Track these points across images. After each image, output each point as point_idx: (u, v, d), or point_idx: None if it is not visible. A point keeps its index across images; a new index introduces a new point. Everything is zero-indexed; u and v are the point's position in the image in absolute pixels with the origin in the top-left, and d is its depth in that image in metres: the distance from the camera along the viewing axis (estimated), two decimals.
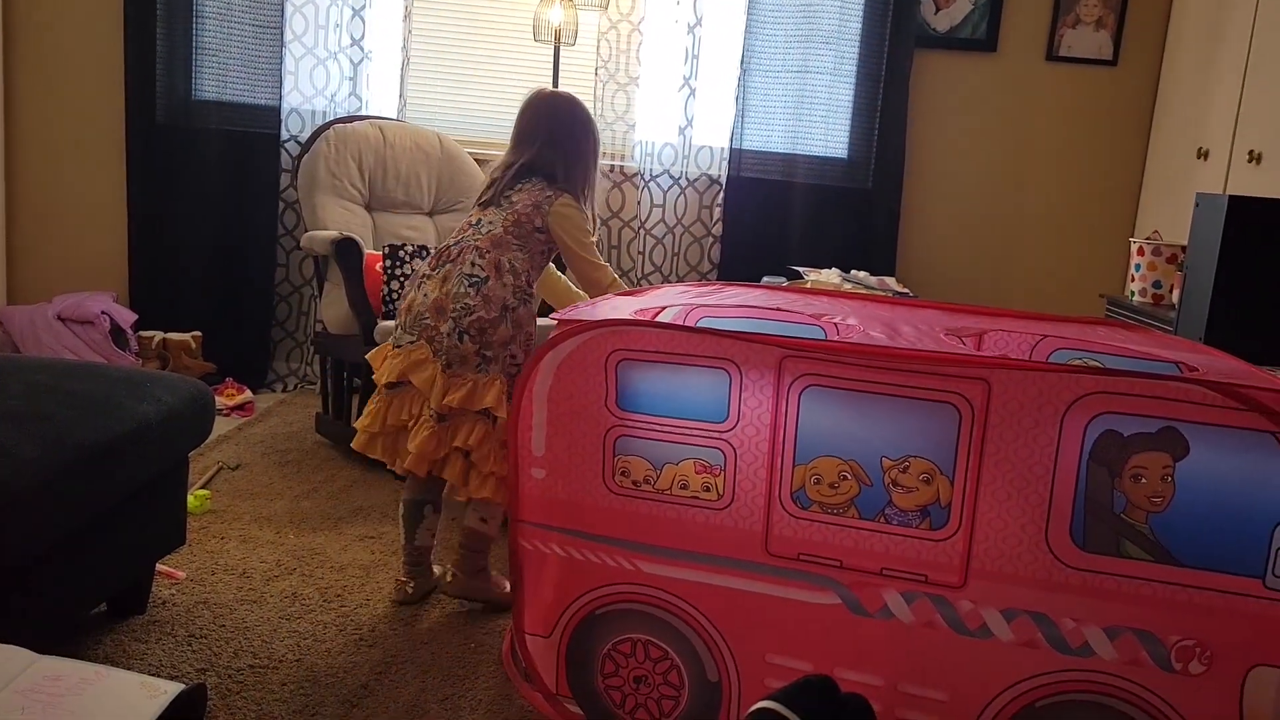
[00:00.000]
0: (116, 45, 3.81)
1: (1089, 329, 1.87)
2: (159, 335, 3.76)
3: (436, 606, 2.17)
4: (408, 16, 3.91)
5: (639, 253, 4.06)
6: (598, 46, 3.93)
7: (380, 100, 3.98)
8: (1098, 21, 3.97)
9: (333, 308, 3.21)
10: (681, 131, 3.98)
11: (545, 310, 2.44)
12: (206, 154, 3.84)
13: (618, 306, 1.78)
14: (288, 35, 3.82)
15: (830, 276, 3.40)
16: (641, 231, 4.05)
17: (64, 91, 3.90)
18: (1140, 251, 3.29)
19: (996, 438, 1.42)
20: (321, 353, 3.33)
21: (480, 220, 2.19)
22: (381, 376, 2.10)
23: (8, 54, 3.85)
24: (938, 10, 3.99)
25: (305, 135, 3.82)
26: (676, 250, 4.08)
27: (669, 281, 4.06)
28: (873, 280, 3.45)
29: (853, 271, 3.55)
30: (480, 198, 2.26)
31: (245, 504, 2.67)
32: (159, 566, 2.12)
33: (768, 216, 4.01)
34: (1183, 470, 1.35)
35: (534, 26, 3.78)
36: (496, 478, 2.04)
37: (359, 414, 3.07)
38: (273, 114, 3.85)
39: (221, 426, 3.28)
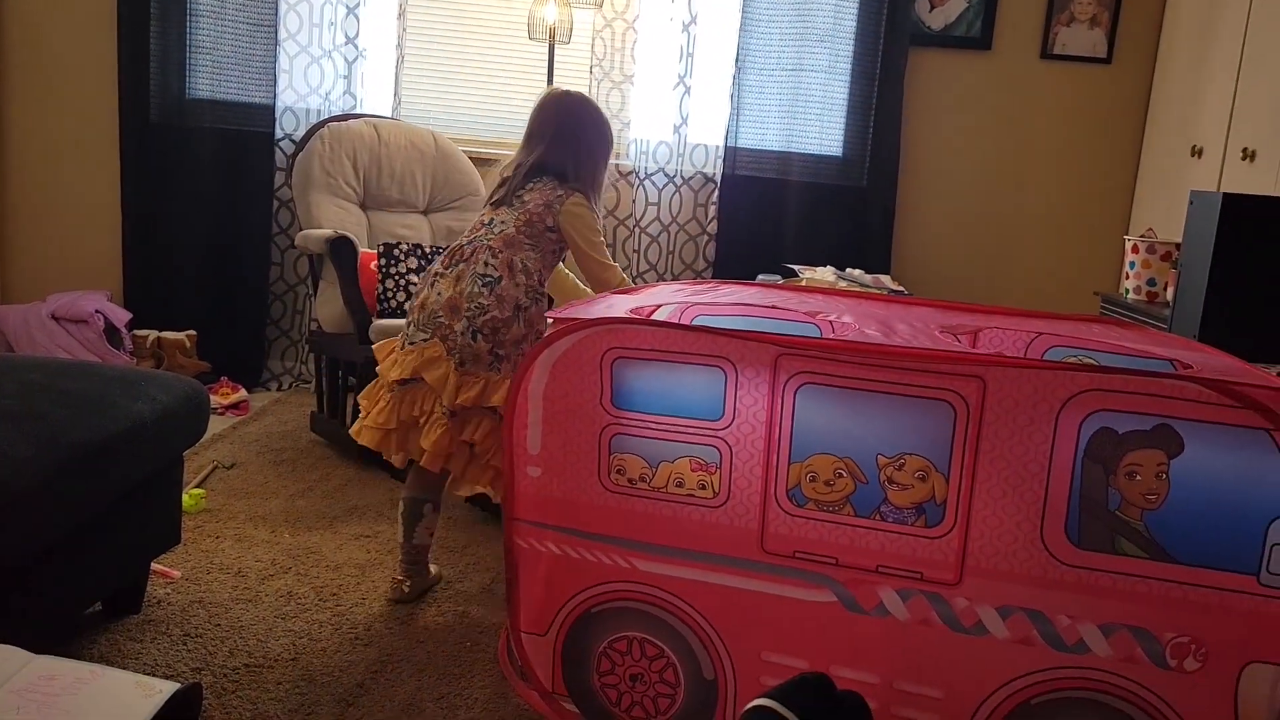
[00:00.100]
0: (110, 44, 3.80)
1: (1084, 326, 1.88)
2: (154, 334, 3.75)
3: (432, 605, 2.17)
4: (402, 14, 3.91)
5: (634, 251, 4.06)
6: (592, 45, 3.93)
7: (375, 98, 3.98)
8: (1092, 19, 3.98)
9: (327, 306, 3.21)
10: (676, 130, 3.98)
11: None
12: (201, 153, 3.83)
13: (613, 305, 1.78)
14: (282, 33, 3.81)
15: (825, 274, 3.40)
16: (636, 230, 4.05)
17: (58, 90, 3.89)
18: (1135, 249, 3.30)
19: (991, 435, 1.42)
20: (316, 351, 3.32)
21: (493, 220, 2.20)
22: (391, 372, 2.11)
23: (1, 52, 3.84)
24: (932, 8, 3.99)
25: (300, 134, 3.81)
26: (671, 248, 4.08)
27: (664, 280, 4.06)
28: (868, 278, 3.46)
29: (848, 269, 3.55)
30: (492, 197, 2.28)
31: (240, 503, 2.67)
32: (154, 565, 2.11)
33: (763, 214, 4.01)
34: (1177, 467, 1.35)
35: (528, 25, 3.78)
36: (495, 469, 2.09)
37: (354, 412, 3.09)
38: (267, 112, 3.84)
39: (216, 425, 3.28)
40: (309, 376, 3.94)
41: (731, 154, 3.98)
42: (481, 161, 3.83)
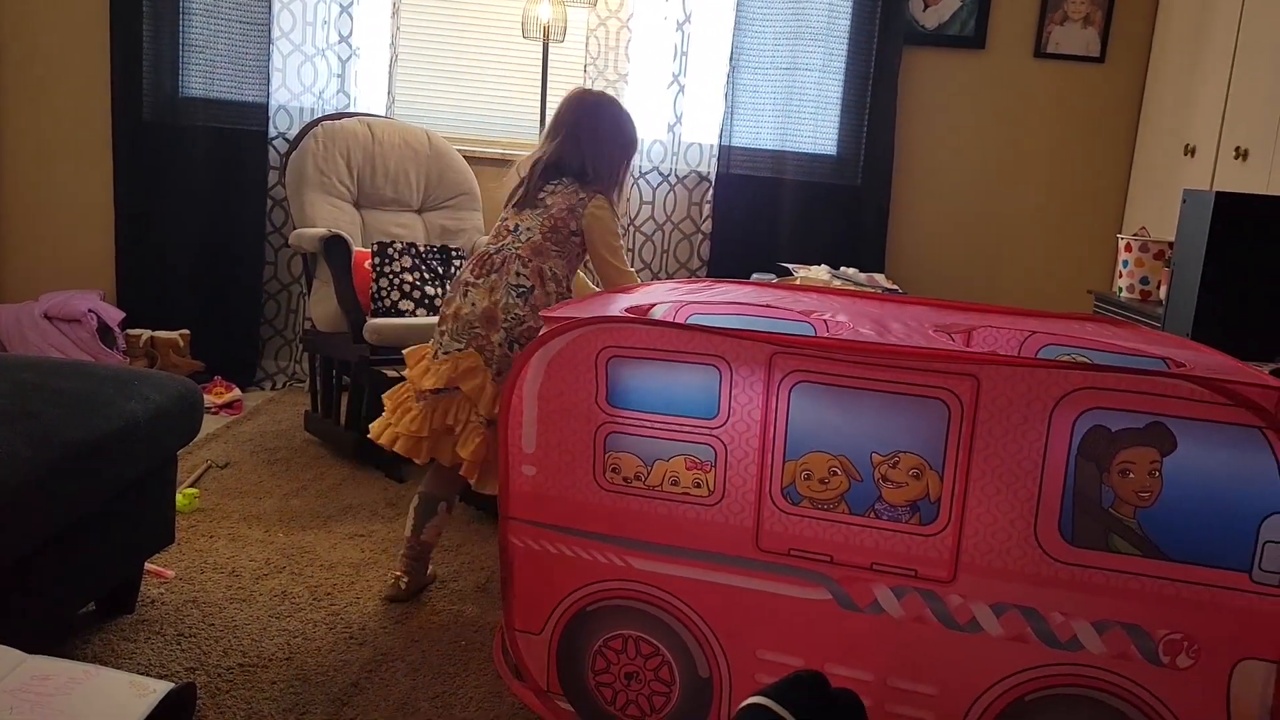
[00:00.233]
0: (103, 42, 3.79)
1: (1077, 325, 1.88)
2: (147, 333, 3.74)
3: (427, 604, 2.17)
4: (396, 13, 3.90)
5: (629, 250, 4.06)
6: (586, 43, 3.93)
7: (368, 97, 3.96)
8: (1085, 18, 3.99)
9: (321, 305, 3.20)
10: (671, 128, 3.98)
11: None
12: (194, 151, 3.82)
13: (608, 303, 1.78)
14: (275, 32, 3.80)
15: (819, 273, 3.41)
16: (631, 228, 4.04)
17: (50, 89, 3.88)
18: (1128, 248, 3.30)
19: (985, 433, 1.42)
20: (310, 350, 3.32)
21: (518, 226, 2.20)
22: (425, 381, 2.11)
23: None
24: (926, 7, 4.00)
25: (293, 132, 3.80)
26: (666, 247, 4.08)
27: (659, 278, 4.06)
28: (862, 277, 3.46)
29: (842, 268, 3.56)
30: (512, 198, 2.27)
31: (234, 502, 2.66)
32: (148, 565, 2.11)
33: (757, 213, 4.01)
34: (1170, 465, 1.36)
35: (523, 23, 3.77)
36: None
37: (348, 412, 3.09)
38: (260, 111, 3.83)
39: (210, 425, 3.27)
40: (303, 375, 3.93)
41: (726, 153, 3.99)
42: (476, 160, 3.82)
